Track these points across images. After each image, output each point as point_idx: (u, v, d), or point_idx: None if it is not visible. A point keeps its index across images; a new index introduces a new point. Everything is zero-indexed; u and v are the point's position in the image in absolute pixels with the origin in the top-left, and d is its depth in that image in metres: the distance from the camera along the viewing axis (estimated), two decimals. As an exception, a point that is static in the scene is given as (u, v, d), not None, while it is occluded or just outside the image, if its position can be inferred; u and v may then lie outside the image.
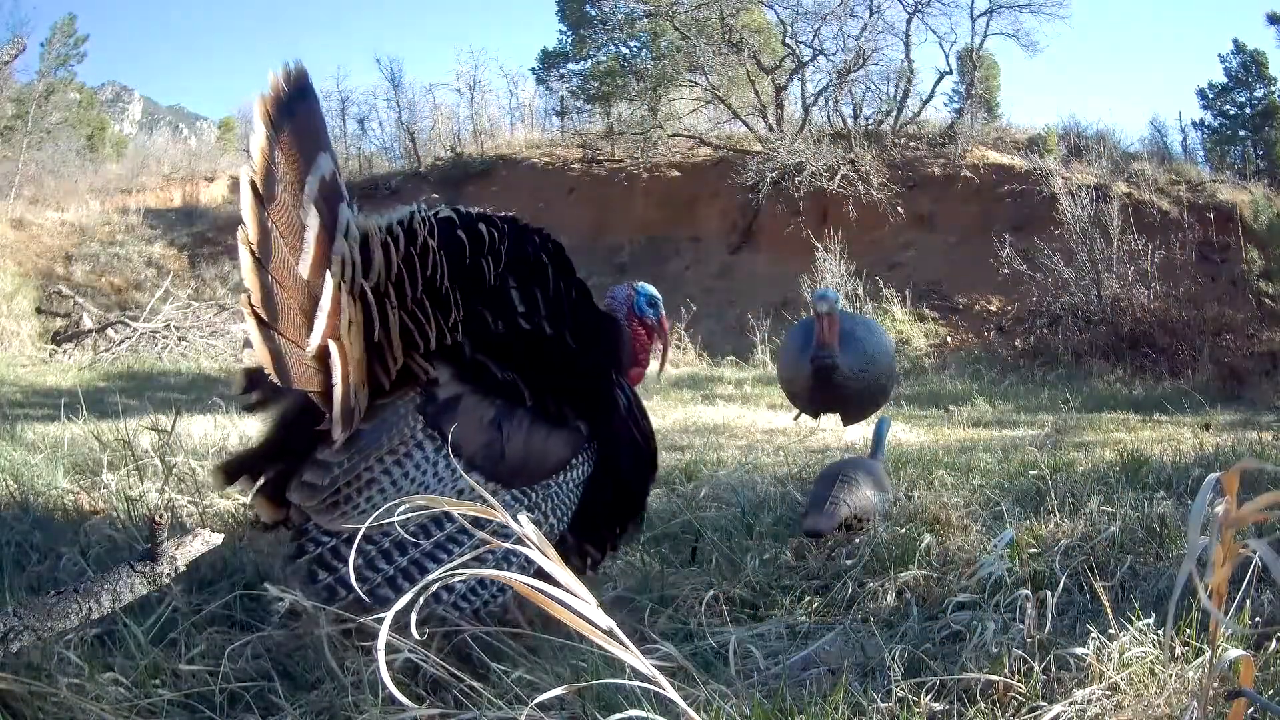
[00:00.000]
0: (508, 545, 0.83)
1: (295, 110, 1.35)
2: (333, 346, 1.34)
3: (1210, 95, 15.29)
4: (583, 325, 1.63)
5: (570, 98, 17.28)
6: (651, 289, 1.85)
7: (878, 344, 3.16)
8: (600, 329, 1.72)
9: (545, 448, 1.51)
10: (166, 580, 1.59)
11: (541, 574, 0.81)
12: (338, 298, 1.35)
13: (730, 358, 10.08)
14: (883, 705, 1.30)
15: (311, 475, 1.40)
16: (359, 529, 1.19)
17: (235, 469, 1.49)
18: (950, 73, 15.18)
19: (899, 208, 13.02)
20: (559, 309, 1.58)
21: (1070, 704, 1.27)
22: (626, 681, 0.96)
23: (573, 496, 1.56)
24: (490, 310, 1.49)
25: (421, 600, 1.24)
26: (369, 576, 1.38)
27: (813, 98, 15.25)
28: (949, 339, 11.28)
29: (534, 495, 1.52)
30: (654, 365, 1.89)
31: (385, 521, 1.22)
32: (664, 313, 1.84)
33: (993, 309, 11.62)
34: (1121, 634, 1.36)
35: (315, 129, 1.39)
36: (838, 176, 13.14)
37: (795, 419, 4.43)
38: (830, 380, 2.92)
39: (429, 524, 1.42)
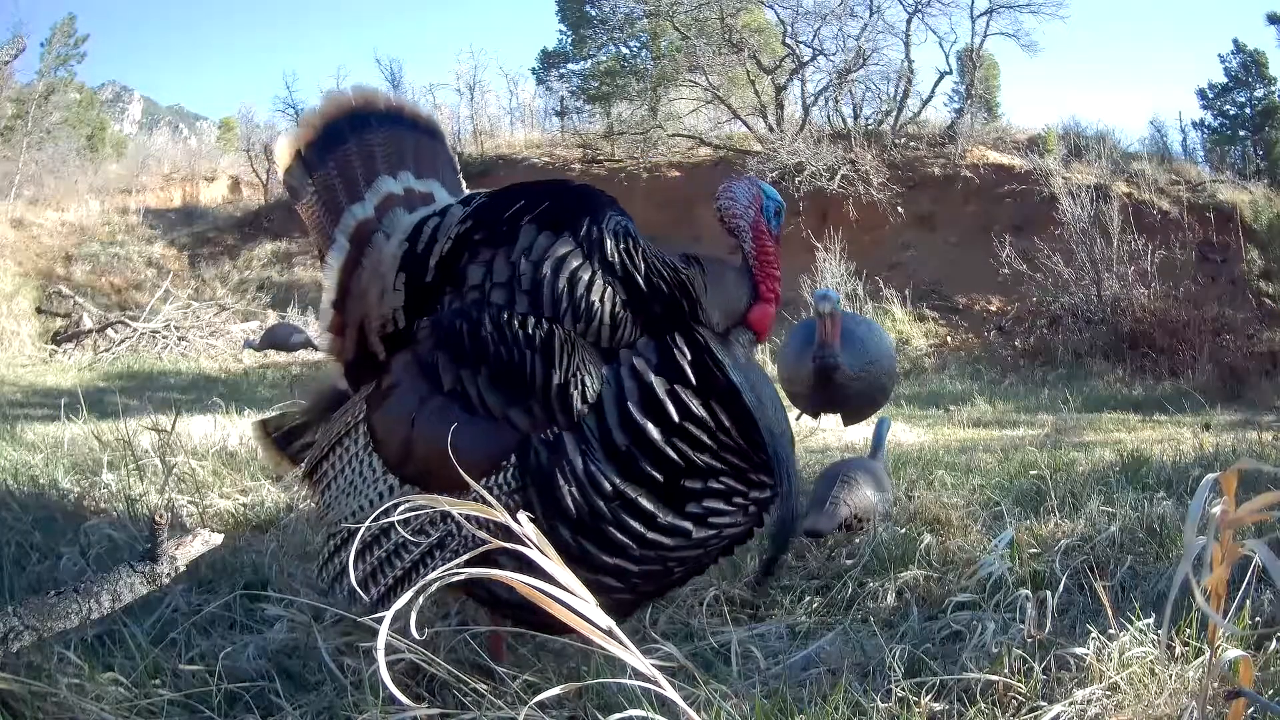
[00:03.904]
0: (509, 546, 0.83)
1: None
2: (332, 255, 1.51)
3: (1210, 95, 15.28)
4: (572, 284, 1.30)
5: (570, 98, 17.27)
6: (776, 193, 1.44)
7: (879, 344, 3.16)
8: (624, 287, 1.31)
9: (457, 444, 1.21)
10: (166, 580, 1.59)
11: (543, 574, 0.81)
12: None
13: (730, 358, 10.06)
14: (883, 705, 1.30)
15: (307, 452, 1.55)
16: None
17: (274, 428, 1.66)
18: (950, 73, 15.17)
19: (899, 208, 13.01)
20: (512, 276, 1.32)
21: (1070, 704, 1.27)
22: (627, 681, 0.96)
23: (502, 505, 1.23)
24: (453, 290, 1.38)
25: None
26: (328, 569, 1.42)
27: (813, 98, 15.24)
28: (949, 339, 11.27)
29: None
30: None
31: (386, 522, 1.29)
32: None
33: (993, 309, 11.62)
34: (1121, 634, 1.36)
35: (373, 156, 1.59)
36: (838, 176, 13.12)
37: (796, 419, 4.42)
38: (832, 380, 2.92)
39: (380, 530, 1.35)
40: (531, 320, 1.28)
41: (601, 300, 1.29)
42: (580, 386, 1.25)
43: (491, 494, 1.24)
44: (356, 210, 1.54)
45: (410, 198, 1.57)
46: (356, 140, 1.59)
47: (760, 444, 1.31)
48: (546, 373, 1.25)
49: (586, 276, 1.30)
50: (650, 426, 1.25)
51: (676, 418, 1.26)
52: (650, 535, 1.26)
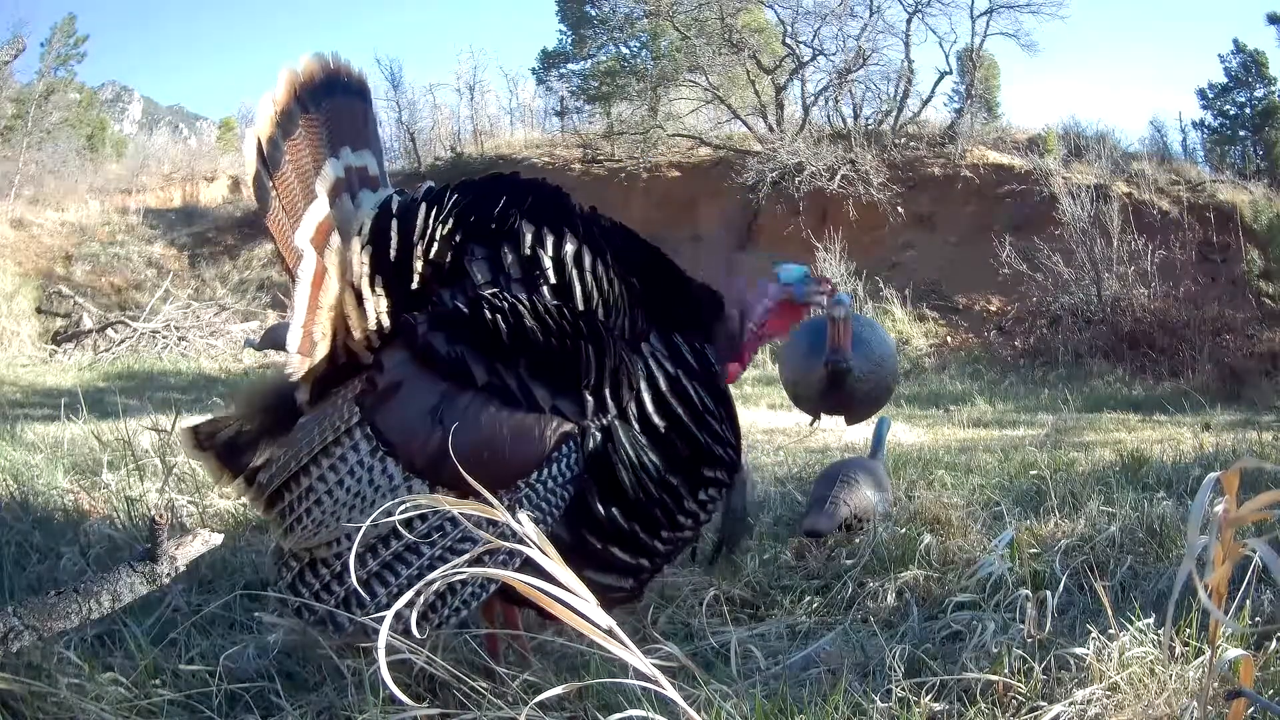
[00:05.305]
0: (509, 545, 0.83)
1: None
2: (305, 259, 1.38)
3: (1210, 95, 15.27)
4: (595, 280, 1.35)
5: (570, 98, 17.27)
6: (802, 271, 1.59)
7: (883, 345, 3.17)
8: (634, 283, 1.39)
9: (502, 440, 1.24)
10: (166, 580, 1.59)
11: (543, 573, 0.81)
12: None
13: (730, 358, 10.06)
14: (883, 705, 1.30)
15: (261, 470, 1.38)
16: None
17: (208, 436, 1.42)
18: (950, 73, 15.16)
19: (899, 208, 13.01)
20: (532, 270, 1.33)
21: (1070, 704, 1.27)
22: (627, 681, 0.96)
23: (556, 498, 1.27)
24: (449, 287, 1.34)
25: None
26: (324, 599, 1.29)
27: (813, 98, 15.24)
28: (949, 339, 11.27)
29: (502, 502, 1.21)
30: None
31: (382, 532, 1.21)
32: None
33: (993, 309, 11.62)
34: (1121, 634, 1.36)
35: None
36: (838, 176, 13.12)
37: (810, 424, 4.42)
38: (843, 383, 2.93)
39: (379, 541, 1.26)
40: (569, 311, 1.31)
41: (623, 293, 1.37)
42: (628, 374, 1.31)
43: (546, 486, 1.27)
44: (316, 210, 1.40)
45: (350, 177, 1.44)
46: (306, 123, 1.42)
47: (739, 436, 1.43)
48: (600, 362, 1.29)
49: (605, 270, 1.36)
50: (682, 413, 1.34)
51: (700, 406, 1.35)
52: (679, 517, 1.35)
